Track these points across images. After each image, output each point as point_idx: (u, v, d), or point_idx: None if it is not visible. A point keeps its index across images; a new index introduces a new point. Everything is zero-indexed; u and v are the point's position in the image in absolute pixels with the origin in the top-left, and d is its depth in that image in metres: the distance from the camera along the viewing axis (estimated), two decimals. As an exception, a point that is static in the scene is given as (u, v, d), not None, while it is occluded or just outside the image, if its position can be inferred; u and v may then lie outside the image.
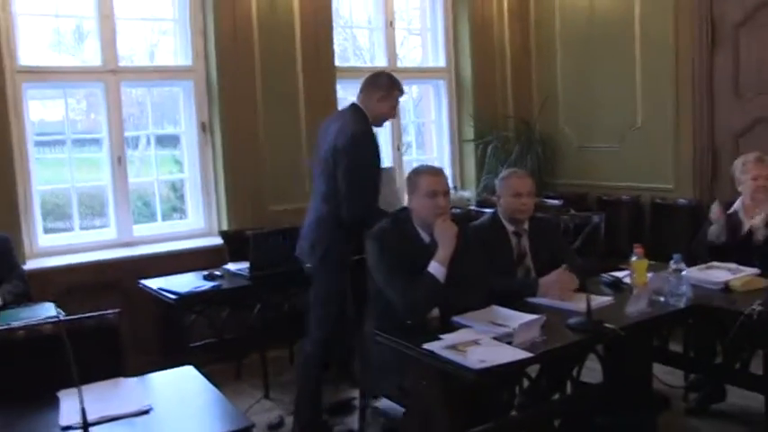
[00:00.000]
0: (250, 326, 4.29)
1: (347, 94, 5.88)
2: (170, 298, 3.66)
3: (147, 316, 4.22)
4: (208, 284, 3.83)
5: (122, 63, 4.72)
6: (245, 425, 2.01)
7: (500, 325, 2.59)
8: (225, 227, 4.98)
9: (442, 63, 6.10)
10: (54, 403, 2.16)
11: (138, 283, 4.01)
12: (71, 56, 4.77)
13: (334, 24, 5.37)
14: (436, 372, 2.46)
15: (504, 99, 6.23)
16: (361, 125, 3.54)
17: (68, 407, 2.11)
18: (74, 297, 4.18)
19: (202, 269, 4.13)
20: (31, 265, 4.29)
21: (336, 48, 5.42)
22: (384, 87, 3.60)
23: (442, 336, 2.56)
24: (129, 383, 2.30)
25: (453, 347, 2.39)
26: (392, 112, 3.69)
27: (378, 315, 3.00)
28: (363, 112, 3.60)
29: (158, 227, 5.01)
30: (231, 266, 4.19)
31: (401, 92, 3.68)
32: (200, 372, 2.44)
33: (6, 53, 4.25)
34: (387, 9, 5.76)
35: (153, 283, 3.91)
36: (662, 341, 3.58)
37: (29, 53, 4.47)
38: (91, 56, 4.68)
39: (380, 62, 5.77)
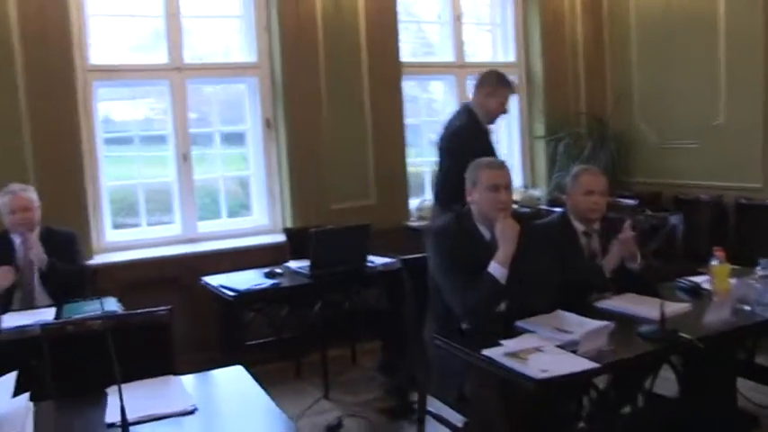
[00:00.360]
0: (310, 324, 4.23)
1: (416, 91, 5.79)
2: (229, 295, 3.64)
3: (208, 312, 4.21)
4: (267, 282, 3.79)
5: (188, 60, 4.75)
6: (290, 432, 1.93)
7: (565, 331, 2.42)
8: (289, 224, 4.95)
9: (512, 58, 5.92)
10: (103, 399, 2.13)
11: (200, 279, 4.01)
12: (139, 54, 4.82)
13: (401, 19, 5.27)
14: (496, 380, 2.31)
15: (577, 95, 6.01)
16: (459, 122, 3.85)
17: (115, 404, 2.07)
18: (138, 292, 4.22)
19: (265, 266, 4.08)
20: (98, 259, 4.38)
21: (403, 43, 5.31)
22: (491, 84, 3.85)
23: (503, 342, 2.41)
24: (178, 382, 2.25)
25: (514, 355, 2.24)
26: (501, 109, 3.91)
27: (437, 318, 2.88)
28: (470, 109, 3.88)
29: (223, 223, 5.03)
30: (292, 264, 4.14)
31: (510, 89, 3.90)
32: (250, 372, 2.38)
33: (78, 53, 4.34)
34: (454, 4, 5.62)
35: (214, 280, 3.89)
36: (748, 354, 3.31)
37: (99, 52, 4.55)
38: (158, 54, 4.73)
39: (448, 57, 5.65)
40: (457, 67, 5.61)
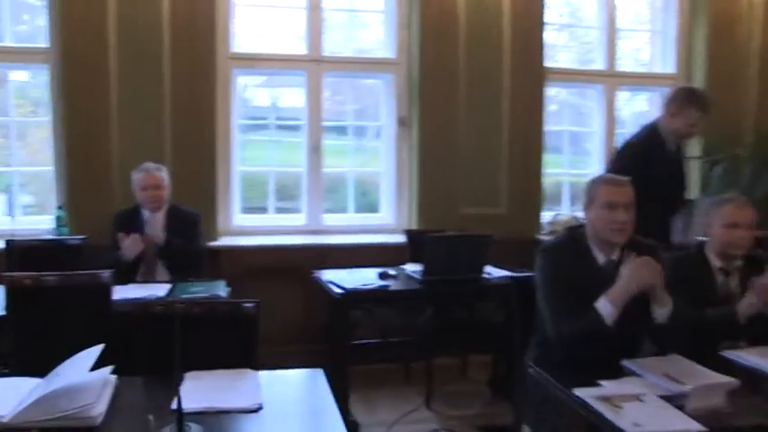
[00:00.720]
0: (419, 330, 4.12)
1: (572, 99, 5.49)
2: (335, 292, 3.60)
3: (321, 306, 4.21)
4: (376, 283, 3.71)
5: (327, 53, 4.79)
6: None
7: (676, 380, 2.12)
8: (415, 225, 4.85)
9: (670, 69, 5.41)
10: (179, 383, 2.13)
11: (313, 272, 4.01)
12: (280, 44, 4.91)
13: (548, 22, 4.99)
14: (587, 424, 2.07)
15: (743, 111, 5.36)
16: (637, 139, 3.68)
17: (186, 390, 2.06)
18: (258, 277, 4.34)
19: (385, 266, 4.01)
20: (223, 242, 4.52)
21: (549, 48, 5.03)
22: (677, 102, 3.60)
23: (602, 382, 2.16)
24: (253, 378, 2.21)
25: (608, 400, 1.99)
26: (687, 130, 3.65)
27: (538, 344, 2.67)
28: (656, 126, 3.66)
29: (349, 218, 5.04)
30: (408, 267, 4.04)
31: (701, 109, 3.60)
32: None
33: (221, 40, 4.50)
34: (609, 7, 5.24)
35: (327, 275, 3.87)
36: None
37: (241, 41, 4.71)
38: (298, 45, 4.80)
39: (598, 65, 5.29)
40: (607, 76, 5.24)
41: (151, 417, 1.83)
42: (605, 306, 2.40)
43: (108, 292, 2.90)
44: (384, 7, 4.88)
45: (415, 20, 4.74)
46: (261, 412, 1.97)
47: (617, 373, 2.27)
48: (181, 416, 1.77)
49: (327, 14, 4.77)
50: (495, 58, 4.82)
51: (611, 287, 2.44)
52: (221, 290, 3.34)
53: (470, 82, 4.80)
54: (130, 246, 3.62)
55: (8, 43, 4.41)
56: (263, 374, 2.27)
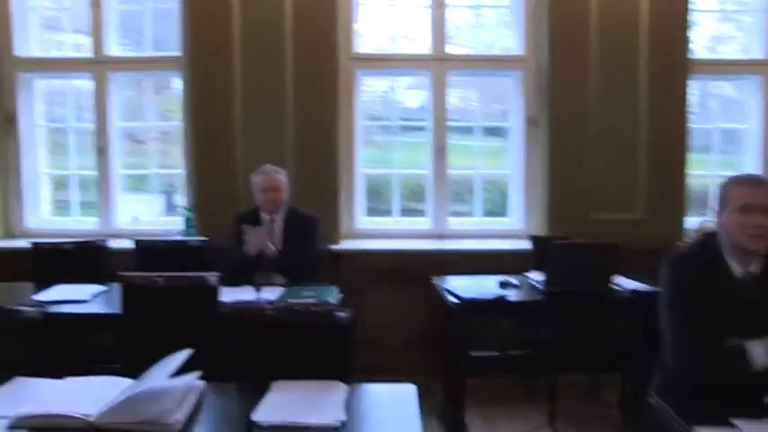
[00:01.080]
0: (541, 345, 3.85)
1: (728, 92, 5.03)
2: (451, 301, 3.44)
3: (440, 314, 4.06)
4: (495, 293, 3.50)
5: (452, 51, 4.65)
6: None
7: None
8: (544, 231, 4.57)
9: None
10: (264, 393, 2.07)
11: (431, 278, 3.87)
12: (404, 44, 4.82)
13: (695, 8, 4.51)
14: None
15: None
16: None
17: (270, 400, 2.01)
18: (377, 282, 4.28)
19: (509, 273, 3.82)
20: (345, 245, 4.48)
21: (697, 36, 4.56)
22: None
23: (736, 420, 1.84)
24: (341, 391, 2.10)
25: (735, 445, 1.69)
26: None
27: (662, 368, 2.35)
28: None
29: (476, 222, 4.86)
30: (532, 276, 3.81)
31: None
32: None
33: (344, 41, 4.48)
34: (770, -12, 4.67)
35: (446, 282, 3.73)
36: None
37: (363, 40, 4.66)
38: (422, 44, 4.68)
39: (755, 53, 4.73)
40: (764, 65, 4.68)
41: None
42: (761, 354, 2.05)
43: (215, 295, 2.91)
44: (510, 2, 4.66)
45: (543, 13, 4.47)
46: (341, 430, 1.86)
47: (759, 411, 1.94)
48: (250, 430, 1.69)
49: (452, 11, 4.62)
50: (630, 50, 4.43)
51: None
52: (332, 296, 3.27)
53: (603, 77, 4.45)
54: (254, 237, 3.65)
55: (147, 53, 4.68)
56: (355, 388, 2.16)
